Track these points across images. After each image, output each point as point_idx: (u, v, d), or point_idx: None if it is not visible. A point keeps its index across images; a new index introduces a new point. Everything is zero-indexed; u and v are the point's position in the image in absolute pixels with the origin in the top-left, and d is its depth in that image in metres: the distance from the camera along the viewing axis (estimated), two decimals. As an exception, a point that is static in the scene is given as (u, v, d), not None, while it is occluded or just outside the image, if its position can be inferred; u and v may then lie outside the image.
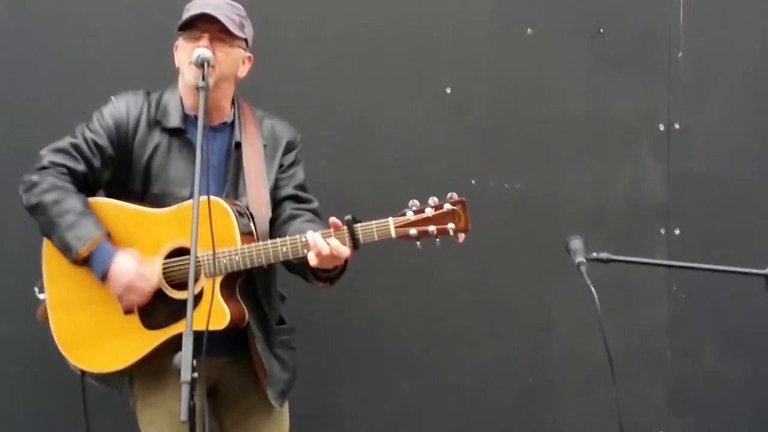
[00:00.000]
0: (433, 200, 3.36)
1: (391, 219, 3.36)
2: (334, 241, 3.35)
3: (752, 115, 4.51)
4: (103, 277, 3.43)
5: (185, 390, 2.82)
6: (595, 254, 3.25)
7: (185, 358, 2.85)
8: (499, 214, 4.37)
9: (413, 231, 3.34)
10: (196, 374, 2.85)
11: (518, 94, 4.43)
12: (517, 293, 4.41)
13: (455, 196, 3.35)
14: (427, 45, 4.39)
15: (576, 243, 3.28)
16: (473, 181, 4.37)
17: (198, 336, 2.90)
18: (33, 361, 4.05)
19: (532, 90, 4.43)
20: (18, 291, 3.75)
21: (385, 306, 4.37)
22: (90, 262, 3.44)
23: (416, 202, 3.36)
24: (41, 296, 3.58)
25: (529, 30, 4.41)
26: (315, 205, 3.67)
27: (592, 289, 3.11)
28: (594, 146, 4.45)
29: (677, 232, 4.46)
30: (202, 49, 3.41)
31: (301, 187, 3.66)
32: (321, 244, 3.34)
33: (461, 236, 3.36)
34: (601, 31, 4.43)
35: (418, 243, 3.36)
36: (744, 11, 4.51)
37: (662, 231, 4.46)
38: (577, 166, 4.45)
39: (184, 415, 2.80)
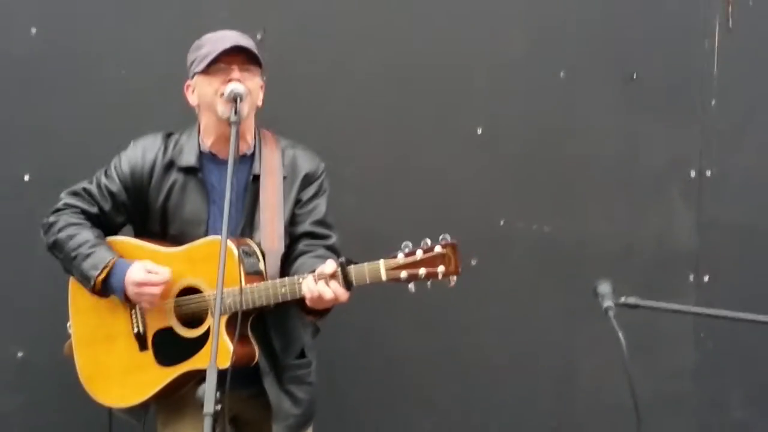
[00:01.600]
0: (425, 243, 3.31)
1: (382, 261, 3.33)
2: (333, 286, 3.33)
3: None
4: (123, 290, 3.47)
5: (208, 422, 2.83)
6: (623, 299, 3.22)
7: (209, 390, 2.86)
8: (527, 256, 4.36)
9: (404, 274, 3.30)
10: (219, 406, 2.87)
11: (549, 136, 4.42)
12: (543, 336, 4.39)
13: (448, 237, 3.31)
14: (460, 84, 4.39)
15: (604, 287, 3.25)
16: (502, 222, 4.37)
17: (221, 372, 2.94)
18: (63, 390, 4.06)
19: (563, 132, 4.43)
20: (51, 317, 3.76)
21: (409, 345, 4.35)
22: (108, 283, 3.48)
23: (409, 243, 3.33)
24: (71, 331, 3.64)
25: (562, 73, 4.41)
26: (332, 240, 3.64)
27: (620, 335, 3.08)
28: (624, 191, 4.44)
29: (706, 279, 4.43)
30: (235, 83, 3.43)
31: (319, 222, 3.63)
32: (321, 290, 3.33)
33: (452, 279, 3.31)
34: (635, 76, 4.43)
35: (410, 286, 3.32)
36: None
37: (691, 278, 4.43)
38: (607, 209, 4.43)
39: (207, 448, 2.82)
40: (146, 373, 3.51)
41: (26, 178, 4.22)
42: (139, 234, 3.62)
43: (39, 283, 4.12)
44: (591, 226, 4.42)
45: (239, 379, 3.30)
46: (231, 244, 3.40)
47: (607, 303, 3.20)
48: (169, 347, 3.49)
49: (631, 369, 3.08)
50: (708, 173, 4.45)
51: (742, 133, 4.49)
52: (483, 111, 4.40)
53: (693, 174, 4.45)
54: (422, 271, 3.30)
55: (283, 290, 3.39)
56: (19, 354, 4.21)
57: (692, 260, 4.44)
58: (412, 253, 3.31)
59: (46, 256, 3.63)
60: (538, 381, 4.40)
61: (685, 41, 4.47)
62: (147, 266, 3.47)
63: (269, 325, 3.55)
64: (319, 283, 3.34)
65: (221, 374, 2.96)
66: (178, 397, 3.51)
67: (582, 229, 4.42)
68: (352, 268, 3.35)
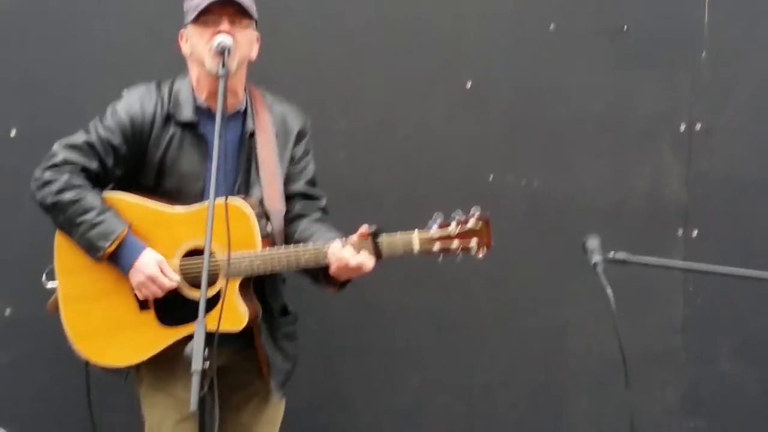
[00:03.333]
0: (458, 214, 3.33)
1: (416, 231, 3.34)
2: (363, 256, 3.33)
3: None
4: (128, 268, 3.43)
5: (196, 379, 2.82)
6: (611, 254, 3.22)
7: (197, 348, 2.85)
8: (516, 211, 4.35)
9: (437, 246, 3.33)
10: (207, 363, 2.86)
11: (539, 90, 4.39)
12: (532, 291, 4.39)
13: (479, 210, 3.33)
14: (448, 39, 4.35)
15: (593, 242, 3.24)
16: (491, 177, 4.35)
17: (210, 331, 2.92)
18: (39, 347, 4.05)
19: (553, 87, 4.39)
20: (38, 273, 3.73)
21: (396, 300, 4.34)
22: (116, 257, 3.44)
23: (440, 214, 3.34)
24: (49, 285, 3.57)
25: (551, 26, 4.37)
26: (323, 202, 3.64)
27: (608, 290, 3.08)
28: (614, 145, 4.42)
29: (695, 233, 4.42)
30: (223, 35, 3.37)
31: (311, 182, 3.63)
32: (348, 257, 3.33)
33: (483, 252, 3.35)
34: (625, 29, 4.39)
35: (439, 258, 3.35)
36: (769, 12, 4.46)
37: (680, 232, 4.42)
38: (597, 164, 4.41)
39: (194, 405, 2.80)
40: (146, 333, 3.46)
41: (12, 133, 4.16)
42: (128, 186, 3.53)
43: (25, 238, 4.07)
44: (581, 180, 4.41)
45: (227, 334, 3.28)
46: (245, 207, 3.40)
47: (596, 258, 3.20)
48: (173, 308, 3.45)
49: (620, 323, 3.09)
50: (698, 126, 4.43)
51: (732, 86, 4.46)
52: (472, 65, 4.36)
53: (683, 127, 4.43)
54: (456, 243, 3.33)
55: (306, 257, 3.38)
56: (7, 311, 4.18)
57: (682, 214, 4.43)
58: (446, 225, 3.33)
59: (32, 209, 3.55)
60: (527, 336, 4.39)
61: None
62: (162, 263, 3.42)
63: (266, 284, 3.53)
64: (347, 249, 3.33)
65: (210, 333, 2.92)
66: (165, 354, 3.46)
67: (571, 184, 4.40)
68: (384, 238, 3.35)
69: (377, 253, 3.35)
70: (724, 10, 4.43)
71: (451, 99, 4.36)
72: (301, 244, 3.42)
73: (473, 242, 3.33)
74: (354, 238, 3.36)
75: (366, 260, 3.35)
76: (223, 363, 3.52)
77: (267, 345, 3.54)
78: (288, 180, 3.58)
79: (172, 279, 3.42)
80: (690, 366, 4.44)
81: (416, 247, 3.35)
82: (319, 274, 3.45)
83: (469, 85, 4.36)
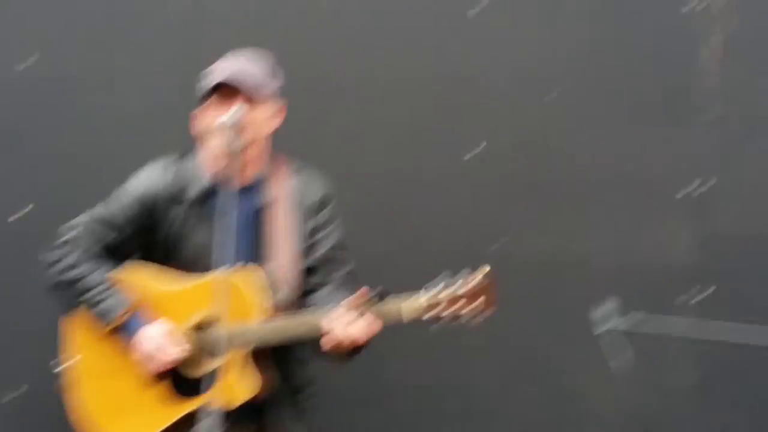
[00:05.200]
0: (460, 277, 3.32)
1: (422, 293, 3.32)
2: (355, 328, 3.29)
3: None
4: (133, 342, 3.46)
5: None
6: (618, 324, 3.22)
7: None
8: (525, 275, 4.32)
9: (442, 308, 3.31)
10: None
11: (546, 153, 4.39)
12: (541, 356, 4.34)
13: (482, 273, 3.31)
14: (455, 105, 4.37)
15: (600, 312, 3.25)
16: (498, 242, 4.34)
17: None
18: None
19: (560, 149, 4.39)
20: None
21: (404, 368, 4.33)
22: (121, 332, 3.48)
23: (443, 279, 3.32)
24: (60, 367, 3.62)
25: (555, 92, 4.38)
26: (348, 268, 3.61)
27: (612, 362, 3.08)
28: (623, 207, 4.40)
29: (706, 294, 4.38)
30: (228, 114, 3.39)
31: (334, 248, 3.60)
32: (338, 331, 3.30)
33: (489, 311, 3.33)
34: (633, 87, 4.38)
35: (442, 320, 3.33)
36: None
37: (692, 293, 4.38)
38: (606, 226, 4.39)
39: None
40: (154, 409, 3.49)
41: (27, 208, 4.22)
42: (142, 260, 3.58)
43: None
44: (590, 243, 4.38)
45: (246, 412, 3.34)
46: (252, 278, 3.41)
47: (602, 329, 3.21)
48: (180, 382, 3.47)
49: (629, 387, 3.06)
50: (707, 186, 4.40)
51: (743, 145, 4.42)
52: (477, 131, 4.37)
53: (692, 187, 4.40)
54: (460, 304, 3.30)
55: (302, 330, 3.37)
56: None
57: (694, 275, 4.38)
58: (452, 284, 3.31)
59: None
60: (537, 402, 4.35)
61: (682, 52, 4.41)
62: (170, 333, 3.45)
63: (278, 355, 3.51)
64: (340, 319, 3.30)
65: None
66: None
67: (581, 247, 4.38)
68: (383, 304, 3.32)
69: (378, 316, 3.31)
70: (734, 68, 4.41)
71: (457, 165, 4.36)
72: (300, 316, 3.42)
73: (477, 303, 3.31)
74: (349, 302, 3.33)
75: (357, 331, 3.30)
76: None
77: (287, 421, 3.54)
78: (305, 252, 3.56)
79: (178, 349, 3.44)
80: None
81: (417, 310, 3.31)
82: (319, 351, 3.42)
83: (474, 152, 4.35)
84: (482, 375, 4.36)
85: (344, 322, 3.30)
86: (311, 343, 3.42)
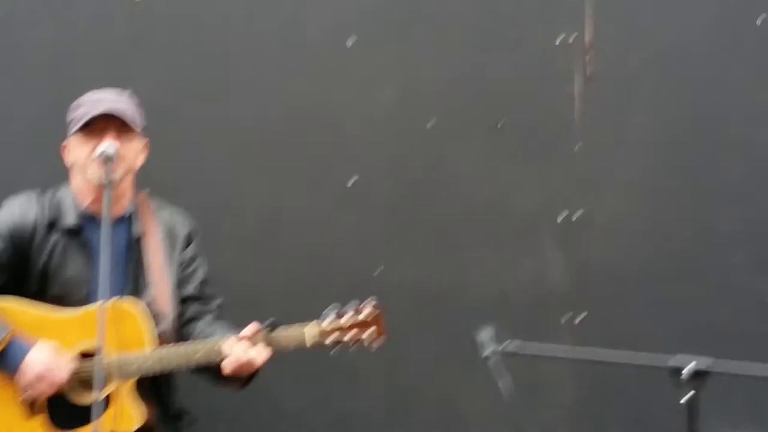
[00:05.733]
0: (350, 308, 3.45)
1: (312, 324, 3.42)
2: (255, 351, 3.36)
3: (649, 206, 4.56)
4: (16, 372, 3.37)
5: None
6: (503, 346, 3.27)
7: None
8: (404, 304, 4.35)
9: (332, 338, 3.42)
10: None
11: (420, 185, 4.47)
12: (425, 384, 4.39)
13: (371, 305, 3.45)
14: (331, 136, 4.42)
15: (483, 335, 3.31)
16: (377, 272, 4.38)
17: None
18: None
19: (434, 181, 4.47)
20: None
21: (290, 395, 4.32)
22: (2, 359, 3.38)
23: (333, 310, 3.44)
24: None
25: (430, 123, 4.45)
26: (218, 301, 3.67)
27: (501, 383, 3.13)
28: (497, 237, 4.49)
29: (579, 319, 4.49)
30: (106, 144, 3.41)
31: (203, 283, 3.65)
32: (239, 352, 3.34)
33: (378, 342, 3.47)
34: (499, 126, 4.48)
35: (332, 351, 3.43)
36: (639, 104, 4.59)
37: (565, 318, 4.48)
38: (481, 256, 4.47)
39: None
40: None
41: None
42: (12, 293, 3.49)
43: None
44: (466, 272, 4.46)
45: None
46: (134, 307, 3.41)
47: (487, 351, 3.26)
48: (64, 413, 3.40)
49: (513, 412, 3.13)
50: (576, 216, 4.52)
51: (607, 176, 4.56)
52: (354, 162, 4.42)
53: (562, 217, 4.51)
54: (351, 334, 3.44)
55: (198, 355, 3.39)
56: None
57: (566, 301, 4.50)
58: (341, 316, 3.44)
59: None
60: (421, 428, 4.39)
61: (547, 89, 4.54)
62: (52, 361, 3.38)
63: (161, 384, 3.52)
64: (240, 345, 3.36)
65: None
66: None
67: (457, 276, 4.45)
68: (279, 331, 3.41)
69: (269, 345, 3.37)
70: (596, 102, 4.54)
71: (334, 196, 4.40)
72: (192, 343, 3.45)
73: (368, 332, 3.42)
74: (247, 332, 3.39)
75: (257, 354, 3.37)
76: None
77: None
78: (180, 284, 3.60)
79: (70, 366, 3.37)
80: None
81: (311, 338, 3.41)
82: (218, 372, 3.44)
83: (351, 182, 4.40)
84: (371, 400, 4.39)
85: (244, 346, 3.36)
86: (207, 368, 3.43)
